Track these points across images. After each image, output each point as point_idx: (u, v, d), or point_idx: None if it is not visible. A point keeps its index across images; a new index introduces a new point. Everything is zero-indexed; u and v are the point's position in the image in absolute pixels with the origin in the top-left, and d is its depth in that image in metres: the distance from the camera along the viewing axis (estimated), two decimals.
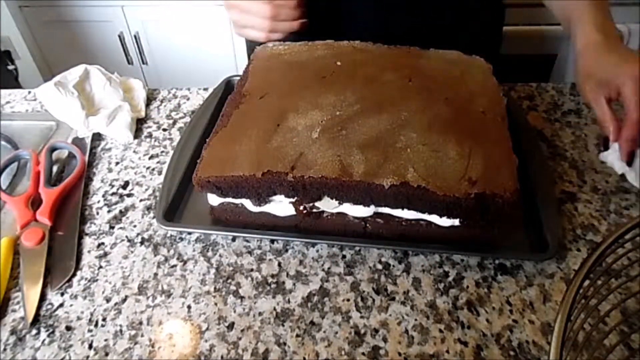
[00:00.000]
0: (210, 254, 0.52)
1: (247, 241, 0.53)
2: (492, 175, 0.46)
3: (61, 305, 0.48)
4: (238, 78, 0.62)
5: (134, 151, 0.65)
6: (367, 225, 0.52)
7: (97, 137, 0.67)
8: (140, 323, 0.46)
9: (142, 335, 0.45)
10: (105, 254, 0.52)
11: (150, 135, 0.67)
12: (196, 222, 0.55)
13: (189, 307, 0.47)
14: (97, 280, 0.50)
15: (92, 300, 0.48)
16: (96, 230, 0.55)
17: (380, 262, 0.50)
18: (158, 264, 0.51)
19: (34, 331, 0.46)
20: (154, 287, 0.49)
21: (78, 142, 0.65)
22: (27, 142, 0.67)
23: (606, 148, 0.58)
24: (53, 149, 0.63)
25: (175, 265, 0.51)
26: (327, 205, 0.50)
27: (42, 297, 0.48)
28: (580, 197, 0.56)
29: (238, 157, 0.49)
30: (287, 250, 0.52)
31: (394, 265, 0.50)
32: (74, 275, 0.50)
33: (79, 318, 0.47)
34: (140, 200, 0.58)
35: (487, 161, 0.47)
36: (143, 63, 1.57)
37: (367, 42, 0.61)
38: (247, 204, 0.52)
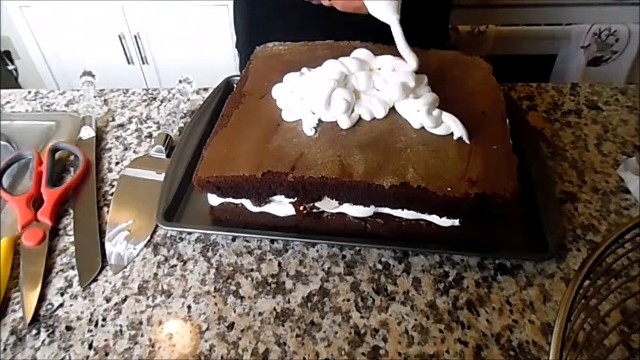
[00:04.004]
0: (210, 254, 0.52)
1: (247, 241, 0.53)
2: (492, 176, 0.46)
3: (61, 305, 0.48)
4: (238, 78, 0.62)
5: (134, 151, 0.65)
6: (367, 225, 0.52)
7: (97, 137, 0.67)
8: (140, 323, 0.46)
9: (142, 335, 0.45)
10: (105, 254, 0.52)
11: (150, 135, 0.67)
12: (196, 222, 0.55)
13: (189, 307, 0.47)
14: (97, 280, 0.50)
15: (92, 300, 0.48)
16: None
17: (380, 262, 0.50)
18: (158, 264, 0.51)
19: (34, 331, 0.46)
20: (154, 287, 0.49)
21: (81, 143, 0.65)
22: (27, 142, 0.67)
23: None
24: (56, 150, 0.63)
25: (175, 265, 0.51)
26: (327, 205, 0.50)
27: (42, 297, 0.48)
28: (580, 197, 0.56)
29: (238, 157, 0.49)
30: (287, 250, 0.52)
31: (394, 265, 0.50)
32: (101, 270, 0.51)
33: (79, 318, 0.47)
34: None
35: (487, 161, 0.47)
36: (143, 63, 1.57)
37: (367, 42, 0.61)
38: (247, 204, 0.52)
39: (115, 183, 0.60)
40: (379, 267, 0.50)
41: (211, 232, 0.54)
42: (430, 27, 0.78)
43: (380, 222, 0.51)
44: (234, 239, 0.53)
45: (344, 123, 0.50)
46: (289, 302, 0.47)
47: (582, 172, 0.59)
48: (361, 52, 0.56)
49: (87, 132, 0.66)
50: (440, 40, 0.79)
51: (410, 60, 0.51)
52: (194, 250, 0.52)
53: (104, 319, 0.47)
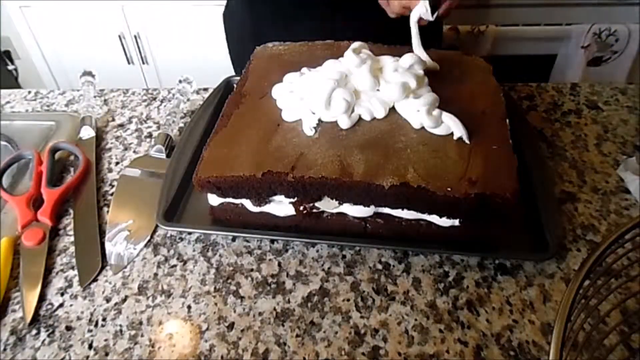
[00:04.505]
0: (210, 254, 0.52)
1: (247, 241, 0.53)
2: (492, 176, 0.46)
3: (61, 305, 0.48)
4: (238, 78, 0.62)
5: (134, 151, 0.65)
6: (367, 225, 0.52)
7: (97, 137, 0.67)
8: (140, 323, 0.46)
9: (142, 335, 0.45)
10: (105, 254, 0.52)
11: (150, 135, 0.67)
12: (196, 222, 0.55)
13: (189, 307, 0.47)
14: (97, 280, 0.50)
15: (92, 300, 0.48)
16: None
17: (380, 262, 0.50)
18: (158, 264, 0.51)
19: (34, 331, 0.46)
20: (154, 287, 0.49)
21: (81, 143, 0.65)
22: (27, 142, 0.67)
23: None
24: (56, 150, 0.63)
25: (175, 265, 0.51)
26: (327, 205, 0.50)
27: (42, 297, 0.48)
28: (580, 197, 0.56)
29: (238, 157, 0.49)
30: (287, 250, 0.52)
31: (394, 265, 0.50)
32: (101, 270, 0.51)
33: (79, 318, 0.47)
34: None
35: (487, 161, 0.47)
36: (143, 63, 1.57)
37: (368, 42, 0.61)
38: (247, 204, 0.52)
39: (115, 183, 0.60)
40: (379, 267, 0.50)
41: (211, 232, 0.54)
42: (423, 29, 0.77)
43: (380, 222, 0.51)
44: (234, 239, 0.53)
45: (344, 123, 0.50)
46: (289, 302, 0.47)
47: (582, 172, 0.59)
48: (361, 52, 0.56)
49: (87, 132, 0.66)
50: (433, 42, 0.79)
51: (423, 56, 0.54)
52: (194, 250, 0.52)
53: (104, 319, 0.47)
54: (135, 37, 1.51)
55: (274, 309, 0.47)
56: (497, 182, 0.45)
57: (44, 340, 0.45)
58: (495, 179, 0.45)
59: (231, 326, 0.46)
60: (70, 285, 0.50)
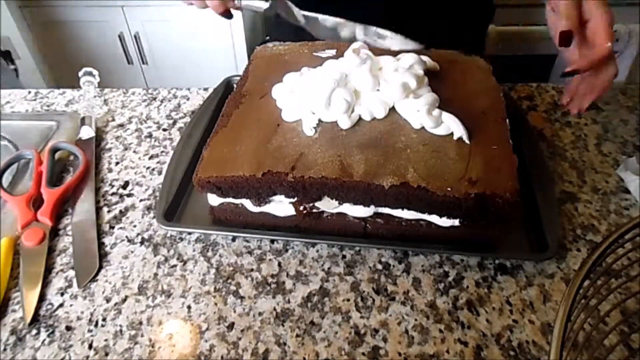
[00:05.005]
0: (210, 254, 0.52)
1: (247, 241, 0.53)
2: (492, 176, 0.46)
3: (61, 305, 0.48)
4: (238, 78, 0.62)
5: (134, 151, 0.65)
6: (367, 225, 0.52)
7: (97, 137, 0.67)
8: (140, 323, 0.46)
9: (142, 335, 0.45)
10: (105, 254, 0.52)
11: (150, 135, 0.67)
12: (196, 222, 0.55)
13: (189, 307, 0.47)
14: (97, 280, 0.50)
15: (92, 300, 0.48)
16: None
17: (380, 262, 0.50)
18: (158, 264, 0.51)
19: (34, 331, 0.46)
20: (154, 287, 0.49)
21: (81, 143, 0.65)
22: (27, 142, 0.67)
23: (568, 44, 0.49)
24: (56, 150, 0.63)
25: (175, 265, 0.51)
26: (327, 205, 0.50)
27: (42, 297, 0.48)
28: (580, 197, 0.56)
29: (238, 157, 0.49)
30: (287, 250, 0.52)
31: (394, 265, 0.50)
32: (99, 271, 0.51)
33: (79, 318, 0.47)
34: (140, 200, 0.58)
35: (487, 161, 0.47)
36: (143, 63, 1.57)
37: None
38: (247, 204, 0.52)
39: (115, 183, 0.60)
40: (379, 267, 0.50)
41: (211, 232, 0.54)
42: (469, 35, 0.76)
43: (380, 222, 0.51)
44: (234, 239, 0.53)
45: (344, 123, 0.50)
46: (289, 302, 0.47)
47: (582, 172, 0.59)
48: (361, 52, 0.56)
49: (87, 132, 0.66)
50: (477, 49, 0.78)
51: None
52: (194, 250, 0.52)
53: (104, 319, 0.47)
54: (135, 37, 1.51)
55: (274, 309, 0.47)
56: (497, 182, 0.45)
57: (44, 340, 0.45)
58: (495, 179, 0.45)
59: (231, 326, 0.46)
60: (70, 285, 0.50)
